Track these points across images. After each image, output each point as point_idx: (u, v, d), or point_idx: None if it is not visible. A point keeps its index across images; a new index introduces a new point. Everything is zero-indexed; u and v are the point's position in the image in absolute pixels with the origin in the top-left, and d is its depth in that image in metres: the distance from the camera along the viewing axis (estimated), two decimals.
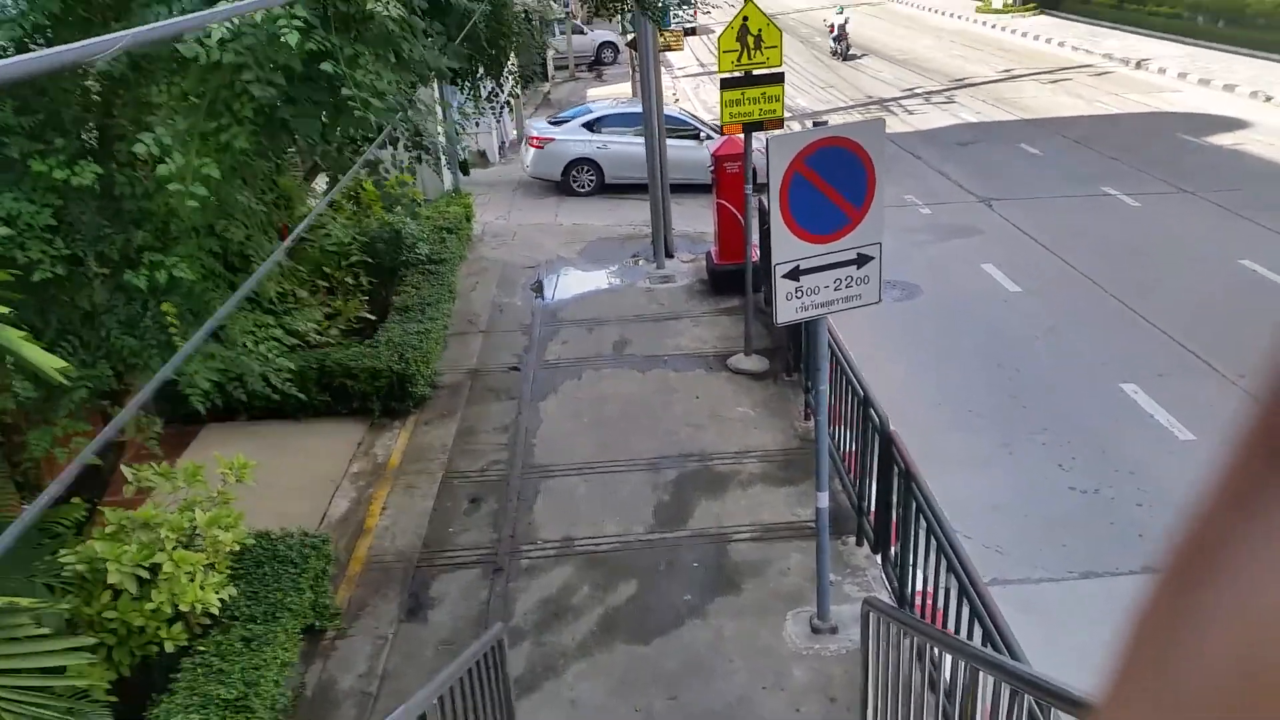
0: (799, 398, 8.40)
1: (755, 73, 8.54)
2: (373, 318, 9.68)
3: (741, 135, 8.97)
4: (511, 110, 22.30)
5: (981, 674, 3.44)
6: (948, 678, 3.80)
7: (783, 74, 8.70)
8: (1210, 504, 0.33)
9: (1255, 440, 0.32)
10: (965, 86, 25.00)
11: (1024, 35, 34.11)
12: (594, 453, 7.84)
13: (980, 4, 40.97)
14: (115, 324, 4.58)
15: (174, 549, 4.95)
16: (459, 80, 9.63)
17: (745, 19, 8.44)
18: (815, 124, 5.07)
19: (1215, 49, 26.66)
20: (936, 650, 3.95)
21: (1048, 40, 32.22)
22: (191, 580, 5.06)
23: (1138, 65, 26.39)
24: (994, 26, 36.96)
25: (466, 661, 3.82)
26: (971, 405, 8.69)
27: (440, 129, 13.78)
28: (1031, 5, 39.10)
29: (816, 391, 5.64)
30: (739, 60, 8.52)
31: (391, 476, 7.74)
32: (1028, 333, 10.21)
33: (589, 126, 16.81)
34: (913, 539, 5.46)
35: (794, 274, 5.15)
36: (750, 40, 8.47)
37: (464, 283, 11.97)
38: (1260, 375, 0.33)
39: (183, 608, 4.82)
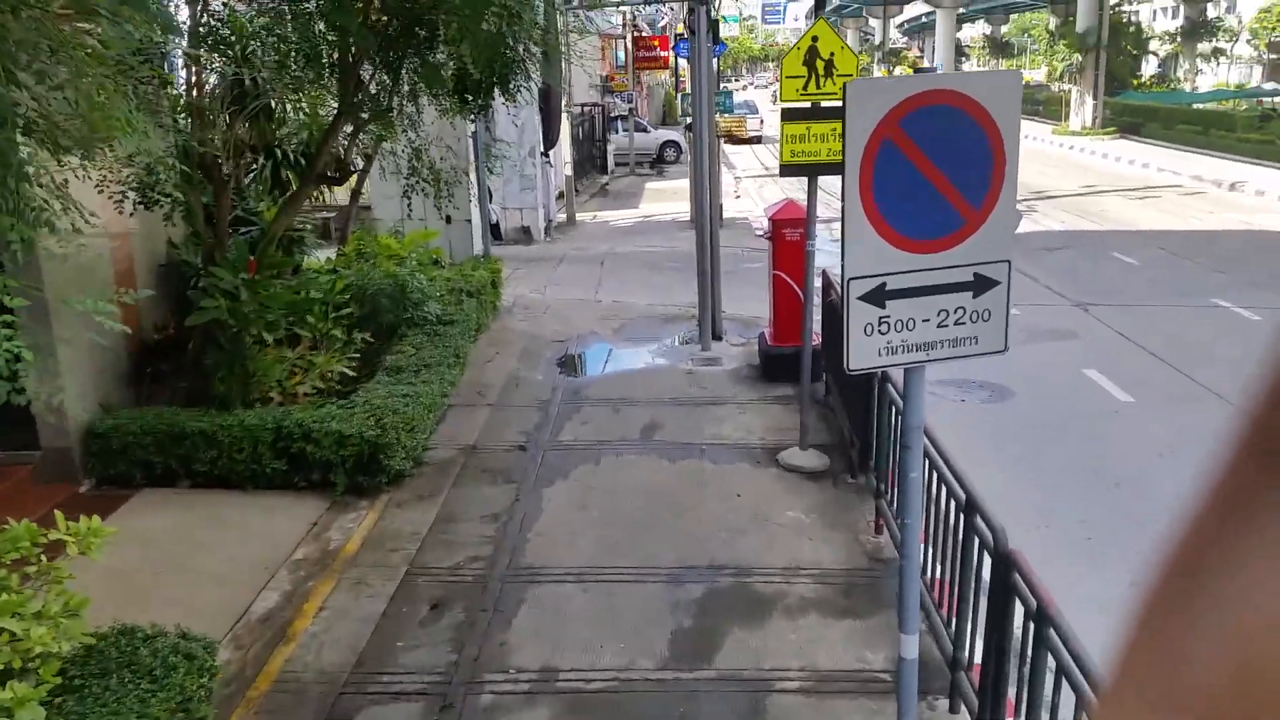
0: (866, 504, 6.62)
1: (824, 104, 7.04)
2: (352, 374, 8.16)
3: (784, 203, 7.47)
4: (562, 196, 21.29)
5: None
6: None
7: None
8: (1204, 507, 0.33)
9: (1247, 443, 0.32)
10: (1046, 198, 23.51)
11: (1104, 156, 32.82)
12: (599, 555, 6.10)
13: (1057, 126, 39.94)
14: None
15: None
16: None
17: (815, 40, 6.99)
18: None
19: None
20: None
21: (1130, 161, 30.82)
22: None
23: (1232, 187, 24.75)
24: (1072, 148, 35.76)
25: None
26: (1088, 530, 6.83)
27: (472, 182, 12.55)
28: (1111, 129, 37.96)
29: (906, 481, 3.91)
30: (805, 88, 7.03)
31: (341, 567, 6.07)
32: (1147, 449, 8.34)
33: None
34: (1045, 712, 3.64)
35: (877, 296, 3.50)
36: (820, 66, 6.99)
37: (481, 352, 10.48)
38: (1252, 380, 0.32)
39: None
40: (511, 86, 8.41)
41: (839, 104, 7.08)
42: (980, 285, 3.62)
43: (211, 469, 7.09)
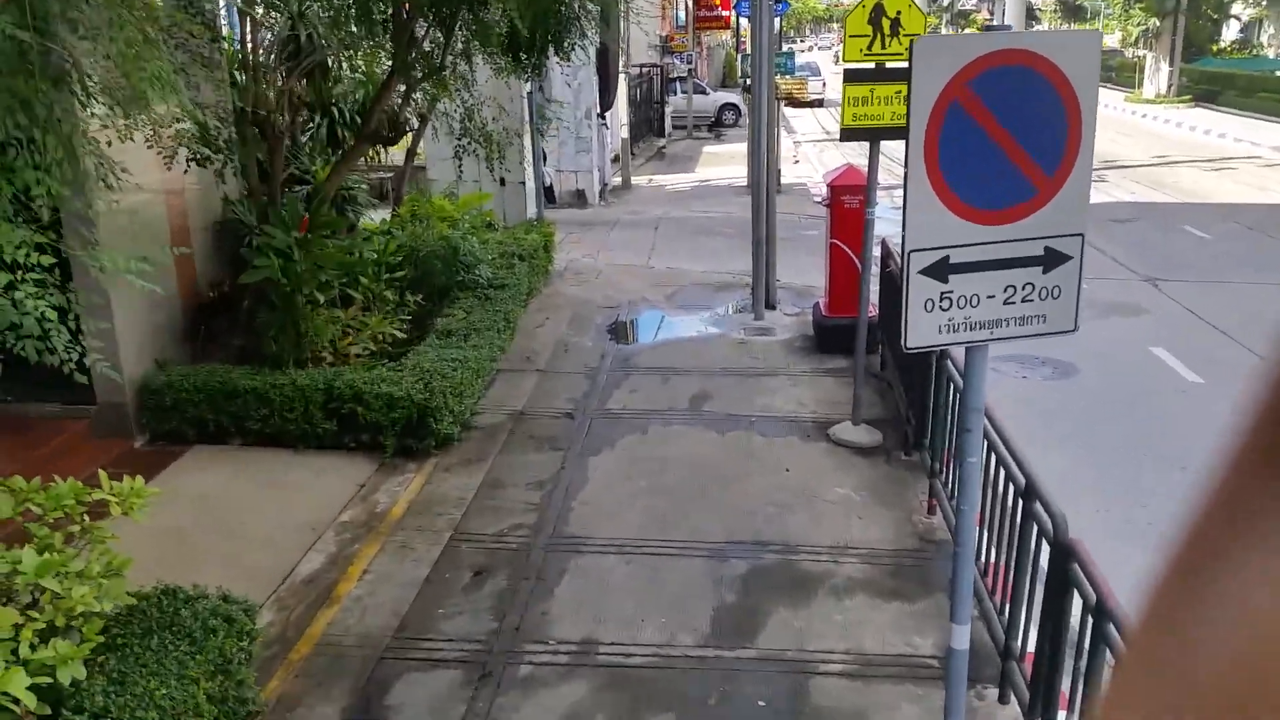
0: (920, 483, 6.45)
1: (889, 65, 6.79)
2: (403, 336, 8.14)
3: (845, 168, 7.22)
4: (618, 159, 21.10)
5: None
6: None
7: None
8: (1209, 504, 0.33)
9: (1252, 440, 0.33)
10: (1116, 168, 22.74)
11: (1179, 125, 31.67)
12: (644, 526, 6.03)
13: (1130, 94, 38.63)
14: None
15: None
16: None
17: None
18: None
19: None
20: None
21: (1206, 131, 29.69)
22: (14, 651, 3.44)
23: None
24: (1145, 116, 34.57)
25: None
26: (1151, 516, 6.59)
27: (525, 144, 12.45)
28: (1187, 97, 36.59)
29: (964, 466, 3.75)
30: (869, 48, 6.78)
31: (387, 531, 6.07)
32: (1216, 432, 8.00)
33: None
34: None
35: (939, 270, 3.33)
36: (886, 25, 6.73)
37: (531, 317, 10.43)
38: (1256, 377, 0.33)
39: None
40: (566, 45, 8.25)
41: (905, 65, 6.82)
42: (1051, 260, 3.42)
43: (263, 427, 7.13)
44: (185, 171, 7.05)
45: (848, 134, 7.02)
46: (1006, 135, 3.22)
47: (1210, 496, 0.34)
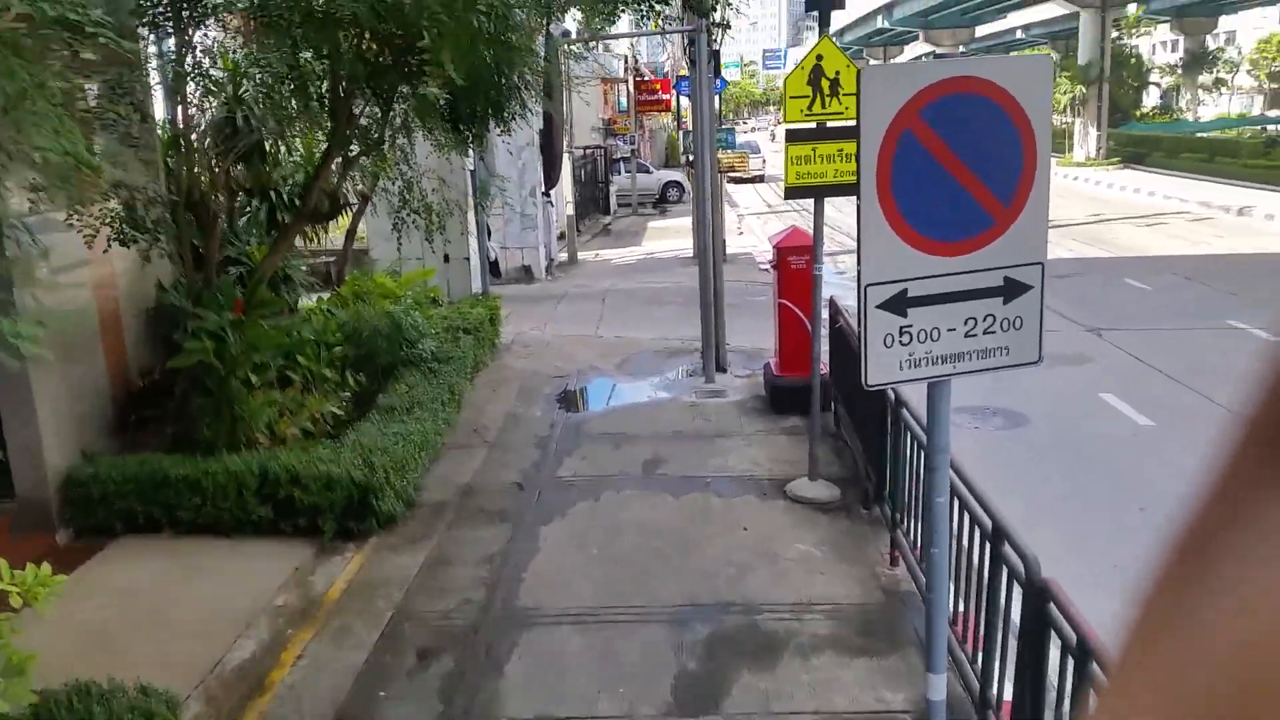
0: (880, 536, 6.26)
1: (830, 124, 6.79)
2: (343, 415, 7.86)
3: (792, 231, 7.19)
4: (564, 236, 21.12)
5: None
6: None
7: None
8: (1206, 496, 0.33)
9: (1249, 432, 0.32)
10: (1055, 227, 23.06)
11: (1110, 186, 32.67)
12: (599, 595, 5.75)
13: (1062, 157, 39.84)
14: None
15: None
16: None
17: (819, 59, 6.76)
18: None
19: None
20: None
21: (1136, 190, 30.63)
22: None
23: (1240, 212, 24.50)
24: (1077, 179, 35.62)
25: None
26: (1114, 558, 6.45)
27: (470, 220, 12.36)
28: (1115, 160, 37.83)
29: (932, 507, 3.59)
30: (810, 108, 6.79)
31: (324, 615, 5.72)
32: (1170, 473, 7.97)
33: None
34: None
35: (898, 304, 3.20)
36: (825, 85, 6.75)
37: (479, 392, 10.20)
38: (1257, 369, 0.33)
39: None
40: (505, 114, 8.18)
41: (845, 124, 6.86)
42: (1011, 290, 3.32)
43: (196, 517, 6.77)
44: (105, 250, 6.80)
45: (792, 192, 6.97)
46: (961, 165, 3.13)
47: (1212, 487, 0.33)
